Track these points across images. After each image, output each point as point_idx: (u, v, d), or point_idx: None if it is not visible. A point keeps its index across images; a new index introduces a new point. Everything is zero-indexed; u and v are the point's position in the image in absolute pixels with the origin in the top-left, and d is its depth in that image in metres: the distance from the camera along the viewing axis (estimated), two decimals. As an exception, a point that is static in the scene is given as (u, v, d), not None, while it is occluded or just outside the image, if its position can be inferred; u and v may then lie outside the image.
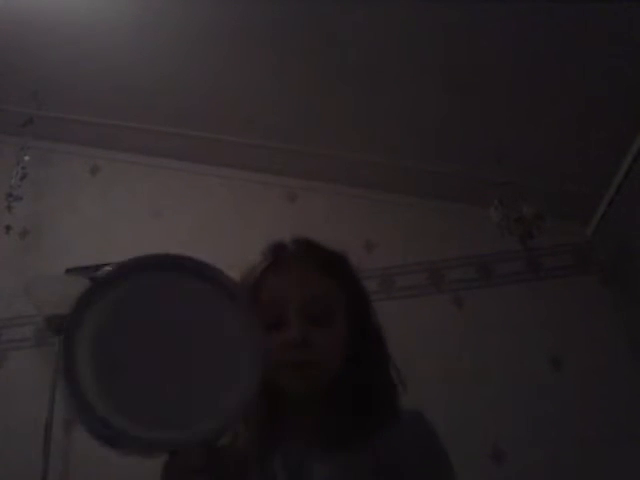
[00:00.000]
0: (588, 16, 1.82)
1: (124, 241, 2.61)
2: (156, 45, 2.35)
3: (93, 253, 2.57)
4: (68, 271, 2.50)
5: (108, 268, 0.68)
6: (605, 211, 2.27)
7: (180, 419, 0.63)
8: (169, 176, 2.74)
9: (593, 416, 2.05)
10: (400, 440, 0.74)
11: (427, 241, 2.49)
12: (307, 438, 0.77)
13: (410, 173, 2.54)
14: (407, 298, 2.38)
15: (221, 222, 2.62)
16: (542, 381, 2.16)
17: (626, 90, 1.96)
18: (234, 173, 2.71)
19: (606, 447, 1.99)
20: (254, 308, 0.72)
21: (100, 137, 2.78)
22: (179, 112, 2.60)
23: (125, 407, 0.62)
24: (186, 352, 0.67)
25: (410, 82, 2.24)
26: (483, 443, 2.08)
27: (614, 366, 2.13)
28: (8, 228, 2.41)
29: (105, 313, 0.66)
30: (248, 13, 2.14)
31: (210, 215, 2.65)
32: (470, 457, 1.93)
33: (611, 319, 2.22)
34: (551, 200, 2.24)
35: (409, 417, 0.78)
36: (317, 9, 2.08)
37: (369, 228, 2.54)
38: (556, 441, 2.04)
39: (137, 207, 2.70)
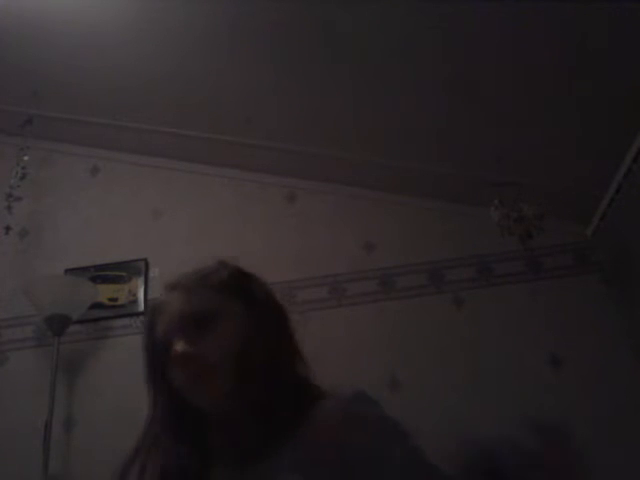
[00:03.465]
0: (588, 16, 1.82)
1: (124, 241, 2.61)
2: (156, 45, 2.34)
3: (93, 253, 2.57)
4: (68, 271, 2.51)
5: None
6: (605, 211, 2.28)
7: None
8: (169, 176, 2.74)
9: (593, 416, 2.05)
10: (330, 427, 0.74)
11: (427, 241, 2.49)
12: (231, 454, 0.78)
13: (410, 173, 2.54)
14: (407, 298, 2.38)
15: (221, 222, 2.62)
16: (542, 381, 2.16)
17: (626, 90, 1.96)
18: (234, 173, 2.71)
19: (606, 447, 1.99)
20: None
21: (100, 137, 2.77)
22: (179, 112, 2.60)
23: None
24: None
25: (410, 82, 2.24)
26: (483, 443, 2.08)
27: (614, 366, 2.13)
28: (8, 228, 2.41)
29: None
30: (248, 13, 2.14)
31: (210, 215, 2.64)
32: (470, 457, 1.93)
33: (611, 319, 2.22)
34: (551, 200, 2.24)
35: (336, 402, 0.78)
36: (317, 9, 2.08)
37: (369, 228, 2.54)
38: (556, 441, 2.04)
39: (137, 207, 2.70)
